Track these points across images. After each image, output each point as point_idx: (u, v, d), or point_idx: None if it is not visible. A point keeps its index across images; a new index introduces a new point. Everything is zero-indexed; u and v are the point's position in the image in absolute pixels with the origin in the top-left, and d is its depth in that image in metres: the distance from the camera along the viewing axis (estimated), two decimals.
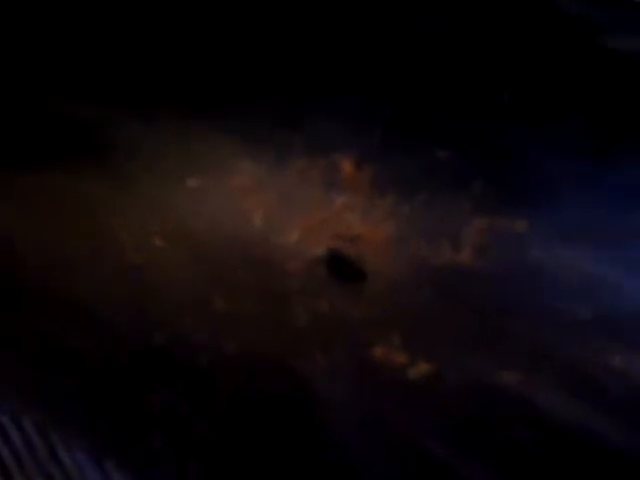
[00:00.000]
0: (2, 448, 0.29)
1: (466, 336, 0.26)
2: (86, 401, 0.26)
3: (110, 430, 0.26)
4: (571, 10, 0.24)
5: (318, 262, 0.28)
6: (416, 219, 0.28)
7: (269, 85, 0.29)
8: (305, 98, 0.29)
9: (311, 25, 0.28)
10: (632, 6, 0.24)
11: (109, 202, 0.29)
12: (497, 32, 0.27)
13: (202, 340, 0.27)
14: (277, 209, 0.29)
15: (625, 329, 0.25)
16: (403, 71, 0.28)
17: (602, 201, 0.27)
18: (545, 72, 0.26)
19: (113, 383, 0.26)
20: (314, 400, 0.26)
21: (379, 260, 0.28)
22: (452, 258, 0.27)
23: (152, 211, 0.29)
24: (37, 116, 0.31)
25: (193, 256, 0.29)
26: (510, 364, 0.25)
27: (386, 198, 0.29)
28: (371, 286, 0.28)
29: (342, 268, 0.28)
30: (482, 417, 0.25)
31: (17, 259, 0.28)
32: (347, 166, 0.29)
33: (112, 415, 0.26)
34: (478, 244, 0.27)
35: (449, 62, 0.28)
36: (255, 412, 0.25)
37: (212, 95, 0.29)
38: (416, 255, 0.28)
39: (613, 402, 0.24)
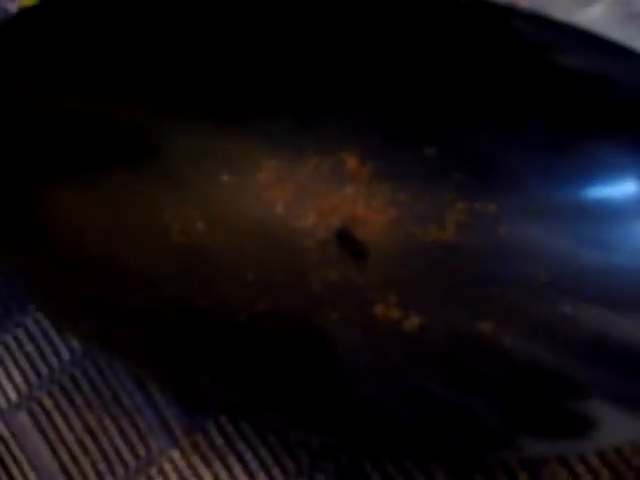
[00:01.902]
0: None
1: (450, 296, 0.32)
2: (140, 349, 0.33)
3: (164, 372, 0.33)
4: (526, 34, 0.31)
5: (330, 240, 0.34)
6: (409, 205, 0.34)
7: (287, 95, 0.35)
8: (317, 106, 0.35)
9: (324, 42, 0.34)
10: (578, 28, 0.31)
11: (157, 195, 0.35)
12: (471, 55, 0.33)
13: (237, 303, 0.33)
14: (295, 199, 0.35)
15: (575, 287, 0.31)
16: (398, 85, 0.34)
17: (560, 186, 0.33)
18: (511, 84, 0.33)
19: (164, 335, 0.33)
20: (328, 344, 0.32)
21: (379, 239, 0.34)
22: (438, 236, 0.33)
23: (194, 201, 0.35)
24: (87, 120, 0.36)
25: (228, 238, 0.35)
26: (485, 317, 0.31)
27: (385, 188, 0.35)
28: (373, 259, 0.34)
29: (350, 245, 0.34)
30: (464, 358, 0.31)
31: (82, 237, 0.34)
32: (352, 162, 0.35)
33: (165, 360, 0.32)
34: (459, 224, 0.33)
35: (435, 78, 0.34)
36: (282, 354, 0.32)
37: (241, 102, 0.35)
38: (409, 234, 0.34)
39: (564, 342, 0.30)
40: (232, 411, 0.33)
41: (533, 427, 0.29)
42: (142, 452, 0.35)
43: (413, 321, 0.32)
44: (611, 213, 0.31)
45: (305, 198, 0.36)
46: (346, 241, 0.35)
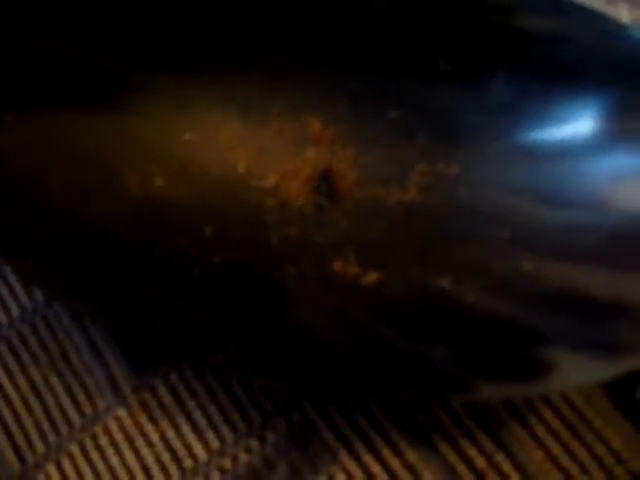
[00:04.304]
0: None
1: (409, 254, 0.32)
2: (95, 294, 0.32)
3: (116, 316, 0.32)
4: None
5: (290, 200, 0.34)
6: (372, 167, 0.34)
7: (252, 55, 0.35)
8: (281, 68, 0.35)
9: (289, 3, 0.34)
10: None
11: (117, 148, 0.35)
12: (433, 16, 0.33)
13: (194, 255, 0.32)
14: (257, 159, 0.35)
15: (535, 244, 0.31)
16: (361, 47, 0.34)
17: (521, 146, 0.33)
18: (473, 45, 0.33)
19: (118, 281, 0.32)
20: (285, 298, 0.31)
21: (342, 200, 0.34)
22: (400, 197, 0.33)
23: (154, 157, 0.35)
24: (50, 61, 0.35)
25: (187, 194, 0.34)
26: (444, 273, 0.31)
27: (347, 151, 0.35)
28: (334, 219, 0.34)
29: (327, 187, 0.34)
30: (421, 309, 0.31)
31: (37, 182, 0.34)
32: (315, 125, 0.35)
33: (118, 303, 0.31)
34: (421, 185, 0.33)
35: (398, 40, 0.34)
36: (237, 302, 0.31)
37: (206, 61, 0.35)
38: (372, 195, 0.34)
39: (523, 295, 0.30)
40: (182, 355, 0.32)
41: (489, 370, 0.28)
42: (88, 410, 0.33)
43: (371, 277, 0.32)
44: (572, 171, 0.31)
45: (267, 159, 0.35)
46: (324, 183, 0.34)
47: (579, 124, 0.31)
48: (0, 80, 0.34)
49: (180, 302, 0.31)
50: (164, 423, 0.33)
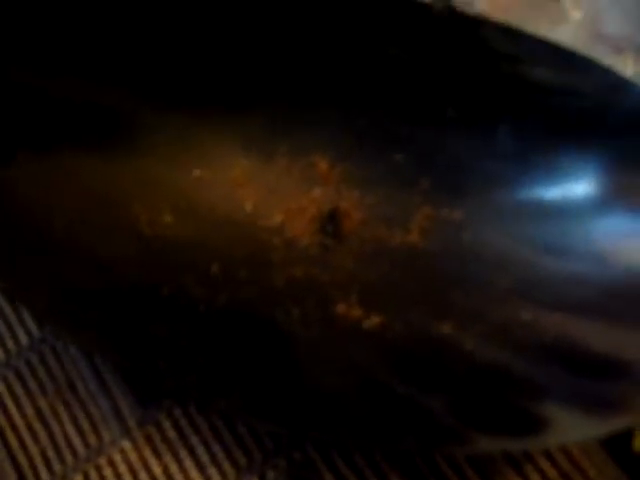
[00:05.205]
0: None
1: (411, 298, 0.33)
2: (101, 331, 0.32)
3: (121, 355, 0.32)
4: (497, 45, 0.32)
5: (296, 240, 0.35)
6: (377, 208, 0.35)
7: (262, 95, 0.35)
8: (291, 108, 0.35)
9: (302, 46, 0.35)
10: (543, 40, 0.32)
11: (127, 185, 0.35)
12: (443, 64, 0.34)
13: (200, 294, 0.33)
14: (264, 198, 0.35)
15: (535, 294, 0.32)
16: (370, 91, 0.35)
17: (524, 195, 0.33)
18: (480, 94, 0.33)
19: (124, 319, 0.32)
20: (287, 338, 0.32)
21: (346, 240, 0.34)
22: (403, 239, 0.34)
23: (164, 194, 0.35)
24: (62, 102, 0.36)
25: (195, 231, 0.35)
26: (445, 319, 0.32)
27: (353, 192, 0.35)
28: (338, 259, 0.34)
29: (333, 227, 0.34)
30: (422, 356, 0.31)
31: (48, 220, 0.34)
32: (323, 166, 0.36)
33: (123, 342, 0.32)
34: (424, 228, 0.34)
35: (407, 86, 0.34)
36: (241, 345, 0.32)
37: (217, 100, 0.35)
38: (375, 236, 0.34)
39: (522, 345, 0.31)
40: (186, 396, 0.32)
41: (487, 424, 0.29)
42: (93, 441, 0.34)
43: (373, 320, 0.32)
44: (572, 223, 0.32)
45: (274, 198, 0.36)
46: (330, 223, 0.35)
47: (582, 177, 0.32)
48: (14, 119, 0.34)
49: (184, 343, 0.32)
50: (167, 457, 0.33)
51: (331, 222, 0.35)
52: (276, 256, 0.35)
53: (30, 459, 0.34)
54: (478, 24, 0.33)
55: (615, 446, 0.30)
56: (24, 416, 0.35)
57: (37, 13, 0.36)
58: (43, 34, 0.35)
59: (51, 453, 0.34)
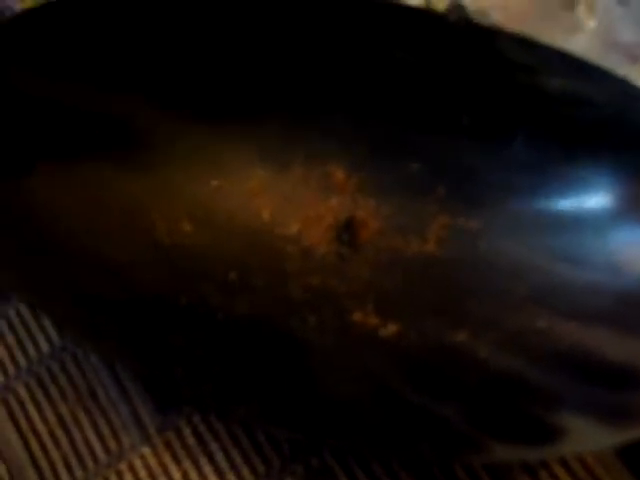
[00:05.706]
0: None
1: (427, 306, 0.33)
2: (119, 340, 0.33)
3: (139, 363, 0.33)
4: (512, 54, 0.32)
5: (313, 249, 0.35)
6: (393, 217, 0.35)
7: (277, 104, 0.36)
8: (306, 117, 0.36)
9: (316, 53, 0.35)
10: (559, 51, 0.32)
11: (145, 195, 0.36)
12: (458, 72, 0.34)
13: (218, 302, 0.34)
14: (281, 207, 0.36)
15: (551, 302, 0.32)
16: (386, 99, 0.35)
17: (540, 204, 0.33)
18: (495, 103, 0.34)
19: (142, 328, 0.33)
20: (305, 347, 0.32)
21: (363, 249, 0.35)
22: (419, 249, 0.34)
23: (182, 203, 0.36)
24: (82, 113, 0.36)
25: (213, 240, 0.35)
26: (461, 327, 0.32)
27: (369, 201, 0.35)
28: (355, 268, 0.34)
29: (349, 236, 0.34)
30: (438, 364, 0.32)
31: (67, 230, 0.35)
32: (339, 175, 0.36)
33: (141, 351, 0.33)
34: (440, 238, 0.34)
35: (423, 94, 0.35)
36: (258, 353, 0.32)
37: (233, 109, 0.36)
38: (391, 246, 0.34)
39: (538, 354, 0.31)
40: (203, 404, 0.33)
41: (503, 432, 0.29)
42: (113, 447, 0.35)
43: (390, 329, 0.33)
44: (588, 231, 0.32)
45: (291, 207, 0.36)
46: (347, 232, 0.35)
47: (598, 187, 0.32)
48: (34, 130, 0.35)
49: (201, 351, 0.32)
50: (187, 463, 0.34)
51: (347, 231, 0.35)
52: (293, 264, 0.35)
53: (52, 464, 0.35)
54: (493, 35, 0.33)
55: (630, 454, 0.30)
56: (46, 422, 0.36)
57: (57, 25, 0.36)
58: (63, 46, 0.36)
59: (72, 459, 0.35)
